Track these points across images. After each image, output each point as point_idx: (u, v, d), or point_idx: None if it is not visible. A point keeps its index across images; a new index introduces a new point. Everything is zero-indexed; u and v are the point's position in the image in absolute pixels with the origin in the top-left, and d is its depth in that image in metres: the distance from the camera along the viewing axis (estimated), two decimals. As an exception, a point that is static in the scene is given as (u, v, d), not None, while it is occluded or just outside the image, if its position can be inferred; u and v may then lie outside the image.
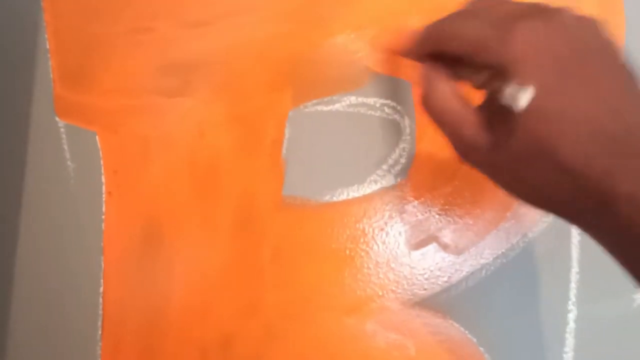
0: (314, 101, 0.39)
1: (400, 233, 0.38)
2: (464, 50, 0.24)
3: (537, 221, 0.37)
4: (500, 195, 0.37)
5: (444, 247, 0.38)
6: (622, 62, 0.23)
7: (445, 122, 0.26)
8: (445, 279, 0.38)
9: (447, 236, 0.38)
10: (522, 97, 0.21)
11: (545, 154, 0.22)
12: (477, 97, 0.26)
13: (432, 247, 0.38)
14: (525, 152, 0.22)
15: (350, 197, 0.39)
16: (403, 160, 0.38)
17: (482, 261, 0.38)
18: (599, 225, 0.24)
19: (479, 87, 0.26)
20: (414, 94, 0.38)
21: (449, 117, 0.26)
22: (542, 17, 0.23)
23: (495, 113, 0.23)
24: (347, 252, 0.38)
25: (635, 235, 0.22)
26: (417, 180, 0.38)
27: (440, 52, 0.26)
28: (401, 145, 0.39)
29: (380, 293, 0.38)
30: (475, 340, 0.37)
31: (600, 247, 0.25)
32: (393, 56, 0.37)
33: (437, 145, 0.38)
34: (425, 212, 0.38)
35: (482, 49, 0.23)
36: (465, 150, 0.26)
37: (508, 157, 0.23)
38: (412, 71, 0.29)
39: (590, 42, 0.23)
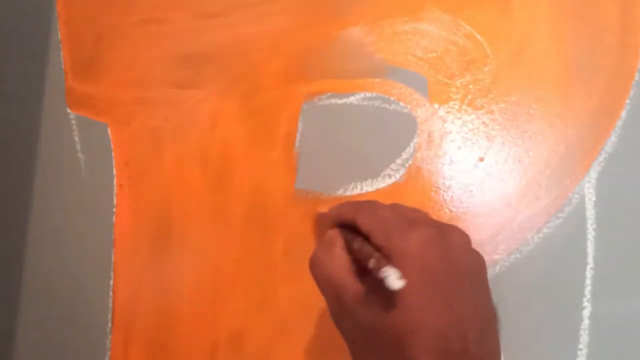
0: (328, 94, 0.39)
1: (413, 228, 0.38)
2: (371, 227, 0.28)
3: (552, 217, 0.37)
4: (513, 191, 0.37)
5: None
6: (489, 295, 0.27)
7: (332, 284, 0.28)
8: (458, 274, 0.37)
9: (461, 231, 0.38)
10: (394, 281, 0.24)
11: (400, 341, 0.25)
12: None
13: (445, 243, 0.38)
14: (390, 331, 0.25)
15: (363, 191, 0.38)
16: (417, 155, 0.38)
17: (496, 257, 0.37)
18: None
19: (367, 260, 0.28)
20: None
21: (336, 281, 0.28)
22: (438, 229, 0.27)
23: (376, 288, 0.26)
24: (360, 246, 0.38)
25: None
26: (431, 175, 0.38)
27: (351, 225, 0.29)
28: (415, 140, 0.38)
29: (393, 288, 0.38)
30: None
31: None
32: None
33: (449, 141, 0.38)
34: (437, 207, 0.38)
35: (386, 235, 0.27)
36: (341, 318, 0.28)
37: (376, 329, 0.26)
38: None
39: (467, 266, 0.26)
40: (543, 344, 0.37)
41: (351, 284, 0.27)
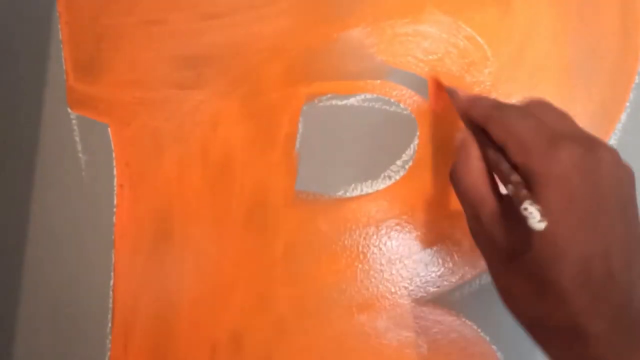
0: (329, 95, 0.39)
1: (413, 229, 0.38)
2: (509, 144, 0.25)
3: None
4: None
5: (458, 244, 0.38)
6: (636, 216, 0.25)
7: (469, 199, 0.27)
8: (458, 276, 0.37)
9: (460, 233, 0.38)
10: (536, 223, 0.22)
11: (544, 276, 0.24)
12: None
13: (445, 244, 0.38)
14: (529, 268, 0.24)
15: (363, 192, 0.38)
16: (418, 156, 0.38)
17: (496, 259, 0.37)
18: (568, 356, 0.25)
19: (504, 182, 0.26)
20: (430, 93, 0.38)
21: (473, 195, 0.26)
22: (587, 146, 0.24)
23: (515, 212, 0.24)
24: (360, 248, 0.38)
25: None
26: (431, 177, 0.38)
27: (487, 131, 0.27)
28: (415, 141, 0.38)
29: (393, 290, 0.38)
30: (488, 338, 0.37)
31: None
32: (444, 98, 0.37)
33: (449, 141, 0.38)
34: (439, 209, 0.38)
35: (524, 152, 0.24)
36: (478, 233, 0.27)
37: (515, 254, 0.25)
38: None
39: (616, 189, 0.24)
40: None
41: (488, 201, 0.26)
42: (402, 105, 0.39)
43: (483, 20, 0.38)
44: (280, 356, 0.38)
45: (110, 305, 0.39)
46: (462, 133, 0.28)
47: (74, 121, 0.40)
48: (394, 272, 0.38)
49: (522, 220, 0.23)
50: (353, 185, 0.39)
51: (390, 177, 0.38)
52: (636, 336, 0.24)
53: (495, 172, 0.27)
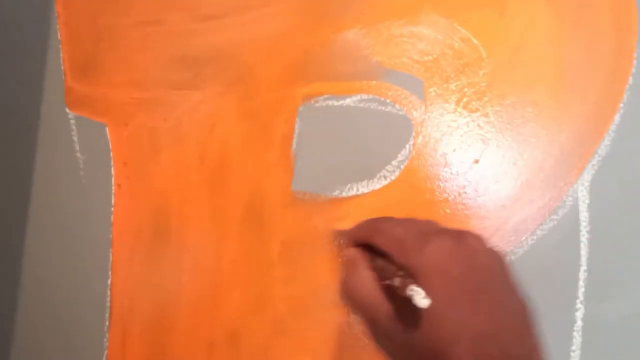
0: (325, 96, 0.39)
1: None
2: (389, 247, 0.28)
3: (546, 219, 0.37)
4: (507, 193, 0.37)
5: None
6: (517, 289, 0.26)
7: (365, 306, 0.28)
8: (453, 275, 0.38)
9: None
10: (421, 300, 0.25)
11: (437, 355, 0.25)
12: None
13: (440, 244, 0.38)
14: (425, 345, 0.25)
15: (359, 192, 0.39)
16: (413, 157, 0.38)
17: (491, 258, 0.37)
18: None
19: (390, 280, 0.28)
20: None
21: (369, 301, 0.28)
22: (454, 237, 0.27)
23: (405, 304, 0.26)
24: (356, 247, 0.38)
25: None
26: (427, 177, 0.38)
27: (369, 245, 0.30)
28: (411, 142, 0.39)
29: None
30: (482, 337, 0.37)
31: None
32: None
33: (445, 141, 0.38)
34: (434, 208, 0.38)
35: (403, 253, 0.27)
36: (377, 334, 0.28)
37: (413, 345, 0.26)
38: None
39: (491, 270, 0.26)
40: (536, 345, 0.37)
41: (382, 305, 0.27)
42: (397, 106, 0.39)
43: (479, 22, 0.38)
44: (276, 355, 0.38)
45: (108, 304, 0.39)
46: (349, 251, 0.30)
47: (72, 121, 0.41)
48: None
49: (411, 305, 0.25)
50: (349, 185, 0.39)
51: (386, 177, 0.39)
52: None
53: (384, 275, 0.28)
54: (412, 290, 0.25)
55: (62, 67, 0.41)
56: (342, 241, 0.35)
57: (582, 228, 0.37)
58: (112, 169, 0.40)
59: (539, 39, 0.38)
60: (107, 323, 0.39)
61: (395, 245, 0.27)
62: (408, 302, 0.25)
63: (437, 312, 0.25)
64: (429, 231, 0.28)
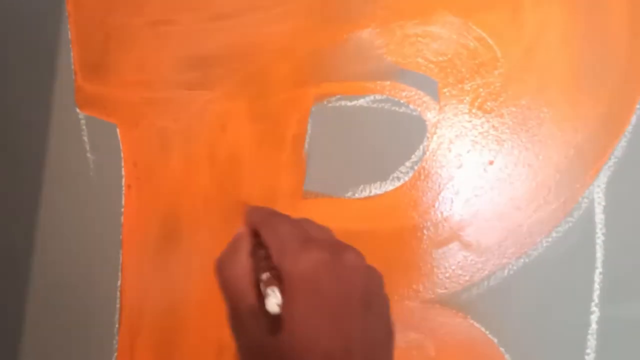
0: (338, 96, 0.39)
1: (422, 231, 0.38)
2: (269, 243, 0.27)
3: (562, 221, 0.37)
4: (522, 194, 0.37)
5: (466, 245, 0.38)
6: (386, 313, 0.26)
7: (229, 293, 0.27)
8: (466, 278, 0.37)
9: (469, 235, 0.38)
10: (272, 306, 0.25)
11: None
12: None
13: (454, 246, 0.38)
14: (277, 352, 0.25)
15: (372, 194, 0.38)
16: (426, 158, 0.38)
17: (505, 260, 0.37)
18: None
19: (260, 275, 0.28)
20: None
21: (234, 287, 0.27)
22: (332, 251, 0.26)
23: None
24: (368, 249, 0.38)
25: None
26: (440, 178, 0.38)
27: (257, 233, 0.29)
28: (424, 143, 0.38)
29: (400, 291, 0.38)
30: (495, 340, 0.37)
31: None
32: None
33: (459, 143, 0.38)
34: (448, 210, 0.38)
35: (281, 253, 0.26)
36: (235, 326, 0.28)
37: (265, 347, 0.25)
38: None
39: (360, 289, 0.26)
40: (550, 348, 0.37)
41: (247, 296, 0.27)
42: (411, 107, 0.38)
43: (493, 21, 0.38)
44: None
45: (118, 305, 0.39)
46: (239, 230, 0.30)
47: (82, 121, 0.40)
48: (401, 273, 0.38)
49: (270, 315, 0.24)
50: (362, 186, 0.38)
51: (399, 179, 0.38)
52: None
53: (261, 268, 0.28)
54: (271, 291, 0.25)
55: (73, 67, 0.41)
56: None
57: (597, 230, 0.37)
58: (123, 169, 0.40)
59: (554, 39, 0.38)
60: (117, 325, 0.39)
61: (276, 244, 0.27)
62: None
63: (293, 323, 0.24)
64: (314, 239, 0.27)
